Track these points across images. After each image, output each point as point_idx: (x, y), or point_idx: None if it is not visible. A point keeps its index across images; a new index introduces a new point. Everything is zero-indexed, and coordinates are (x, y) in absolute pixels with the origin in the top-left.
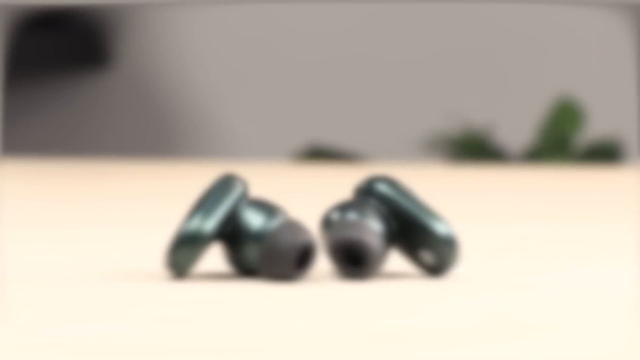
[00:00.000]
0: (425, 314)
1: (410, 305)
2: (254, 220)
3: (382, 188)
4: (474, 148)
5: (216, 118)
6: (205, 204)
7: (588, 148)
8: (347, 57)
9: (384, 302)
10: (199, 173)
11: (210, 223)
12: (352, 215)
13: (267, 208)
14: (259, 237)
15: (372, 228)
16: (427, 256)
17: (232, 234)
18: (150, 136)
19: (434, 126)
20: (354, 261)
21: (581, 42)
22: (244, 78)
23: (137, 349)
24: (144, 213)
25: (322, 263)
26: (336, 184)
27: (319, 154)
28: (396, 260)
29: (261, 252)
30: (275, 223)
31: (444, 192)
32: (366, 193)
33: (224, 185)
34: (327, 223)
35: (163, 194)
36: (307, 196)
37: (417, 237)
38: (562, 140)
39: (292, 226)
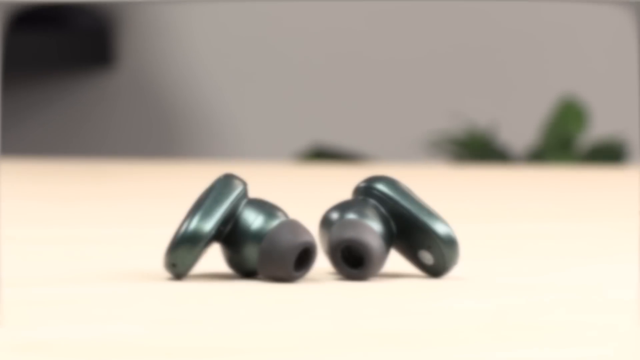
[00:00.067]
0: (425, 314)
1: (410, 305)
2: (253, 220)
3: (382, 188)
4: (477, 148)
5: (220, 118)
6: (204, 204)
7: (592, 148)
8: (351, 57)
9: (383, 303)
10: (202, 173)
11: (209, 223)
12: (352, 215)
13: (267, 208)
14: (258, 237)
15: (372, 228)
16: (427, 256)
17: (231, 235)
18: (154, 136)
19: (437, 126)
20: (353, 261)
21: (585, 42)
22: (247, 78)
23: (137, 349)
24: (147, 213)
25: (322, 263)
26: (339, 184)
27: (322, 154)
28: (396, 261)
29: (260, 252)
30: (274, 223)
31: (447, 192)
32: (366, 193)
33: (224, 185)
34: (327, 223)
35: (166, 194)
36: (310, 196)
37: (417, 237)
38: (565, 140)
39: (292, 226)
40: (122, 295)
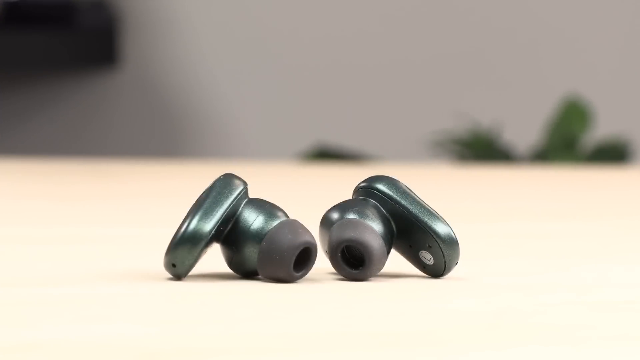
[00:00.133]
0: (425, 314)
1: (410, 306)
2: (253, 220)
3: (382, 188)
4: (481, 148)
5: (223, 118)
6: (204, 204)
7: (596, 148)
8: (354, 57)
9: (383, 303)
10: (205, 172)
11: (209, 223)
12: (352, 215)
13: (266, 208)
14: (258, 237)
15: (372, 228)
16: (427, 256)
17: (231, 235)
18: (158, 136)
19: (441, 126)
20: (354, 262)
21: (588, 42)
22: (251, 79)
23: (136, 349)
24: (150, 213)
25: (322, 263)
26: (342, 184)
27: (326, 154)
28: (396, 261)
29: (259, 252)
30: (274, 223)
31: (450, 192)
32: (366, 193)
33: (224, 185)
34: (327, 223)
35: (169, 193)
36: (314, 196)
37: (417, 237)
38: (569, 140)
39: (292, 226)
40: (121, 295)
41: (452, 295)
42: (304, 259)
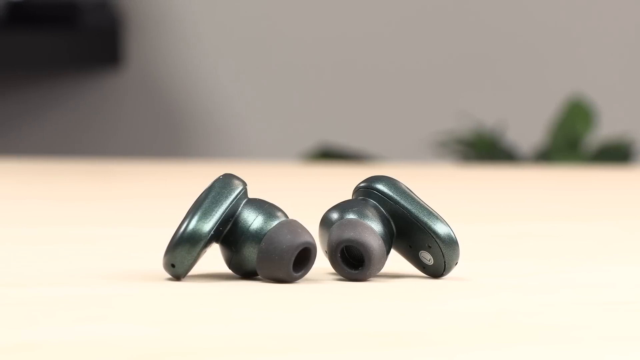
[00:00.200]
0: (425, 315)
1: (410, 306)
2: (252, 220)
3: (382, 188)
4: (484, 148)
5: (227, 118)
6: (203, 204)
7: (599, 148)
8: (358, 58)
9: (383, 303)
10: (209, 173)
11: (209, 224)
12: (351, 215)
13: (266, 208)
14: (257, 237)
15: (372, 228)
16: (427, 256)
17: (231, 235)
18: (161, 136)
19: (445, 126)
20: (353, 262)
21: (592, 42)
22: (254, 79)
23: (136, 349)
24: (153, 213)
25: (322, 263)
26: (346, 184)
27: (329, 154)
28: (396, 261)
29: (259, 252)
30: (274, 223)
31: (454, 192)
32: (366, 193)
33: (223, 185)
34: (327, 223)
35: (173, 194)
36: (317, 196)
37: (417, 237)
38: (573, 140)
39: (291, 226)
40: (120, 295)
41: (451, 295)
42: (303, 259)
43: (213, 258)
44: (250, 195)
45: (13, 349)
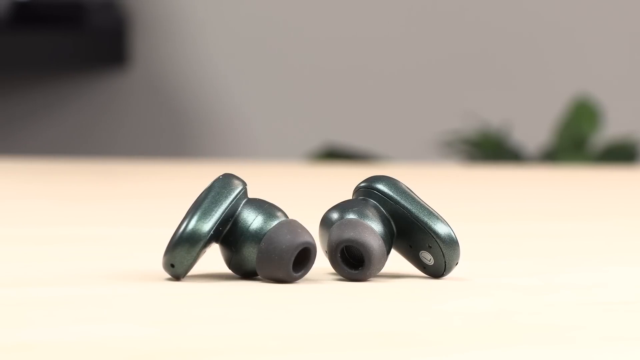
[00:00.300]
0: (425, 315)
1: (410, 306)
2: (252, 220)
3: (382, 188)
4: (490, 148)
5: (233, 119)
6: (203, 204)
7: (605, 148)
8: (363, 58)
9: (383, 304)
10: (213, 173)
11: (208, 224)
12: (352, 215)
13: (266, 208)
14: (257, 237)
15: (372, 228)
16: (427, 256)
17: (230, 235)
18: (167, 136)
19: (450, 126)
20: (353, 262)
21: (598, 42)
22: (260, 79)
23: (135, 350)
24: (156, 213)
25: (322, 263)
26: (351, 185)
27: (334, 154)
28: (396, 261)
29: (258, 253)
30: (273, 223)
31: (459, 192)
32: (366, 193)
33: (223, 185)
34: (327, 223)
35: (177, 194)
36: (322, 196)
37: (417, 237)
38: (579, 140)
39: (291, 226)
40: (119, 295)
41: (452, 295)
42: (303, 259)
43: (213, 258)
44: (255, 195)
45: (12, 349)
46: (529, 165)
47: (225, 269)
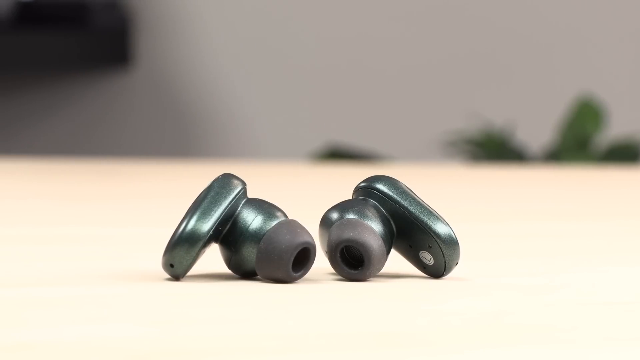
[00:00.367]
0: (425, 315)
1: (410, 306)
2: (251, 220)
3: (382, 188)
4: (493, 148)
5: (236, 119)
6: (202, 204)
7: (609, 147)
8: (366, 58)
9: (383, 303)
10: (216, 173)
11: (207, 224)
12: (351, 215)
13: (265, 208)
14: (256, 237)
15: (372, 228)
16: (427, 256)
17: (230, 235)
18: (170, 136)
19: (454, 126)
20: (353, 262)
21: (601, 41)
22: (263, 79)
23: (134, 350)
24: (154, 213)
25: (321, 264)
26: (354, 185)
27: (337, 154)
28: (396, 261)
29: (258, 253)
30: (273, 223)
31: (463, 192)
32: (366, 193)
33: (222, 185)
34: (326, 223)
35: (178, 194)
36: (325, 196)
37: (417, 237)
38: (582, 139)
39: (290, 226)
40: (118, 295)
41: (451, 295)
42: (302, 259)
43: (212, 258)
44: (257, 194)
45: (11, 348)
46: (532, 165)
47: (225, 269)
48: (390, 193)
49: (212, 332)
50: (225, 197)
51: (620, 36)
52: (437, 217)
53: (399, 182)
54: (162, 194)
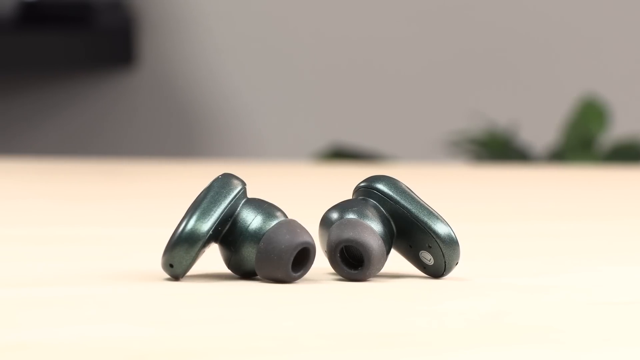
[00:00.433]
0: (425, 315)
1: (410, 306)
2: (251, 220)
3: (382, 188)
4: (497, 148)
5: (240, 118)
6: (202, 204)
7: (613, 147)
8: (370, 58)
9: (383, 303)
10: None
11: (207, 224)
12: (351, 215)
13: (265, 208)
14: (256, 237)
15: (372, 228)
16: (427, 256)
17: (229, 235)
18: (174, 136)
19: (457, 126)
20: (353, 262)
21: (605, 41)
22: (267, 79)
23: (134, 350)
24: (155, 213)
25: (321, 263)
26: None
27: (341, 153)
28: (396, 261)
29: (257, 252)
30: (272, 223)
31: (466, 192)
32: (366, 193)
33: (222, 184)
34: (326, 223)
35: (180, 194)
36: (329, 196)
37: (417, 237)
38: (586, 139)
39: (290, 226)
40: (118, 295)
41: (451, 295)
42: (302, 259)
43: (212, 258)
44: (260, 194)
45: (11, 348)
46: (536, 165)
47: (225, 269)
48: (390, 193)
49: (211, 332)
50: (225, 197)
51: (624, 36)
52: (437, 217)
53: (399, 182)
54: (163, 193)
